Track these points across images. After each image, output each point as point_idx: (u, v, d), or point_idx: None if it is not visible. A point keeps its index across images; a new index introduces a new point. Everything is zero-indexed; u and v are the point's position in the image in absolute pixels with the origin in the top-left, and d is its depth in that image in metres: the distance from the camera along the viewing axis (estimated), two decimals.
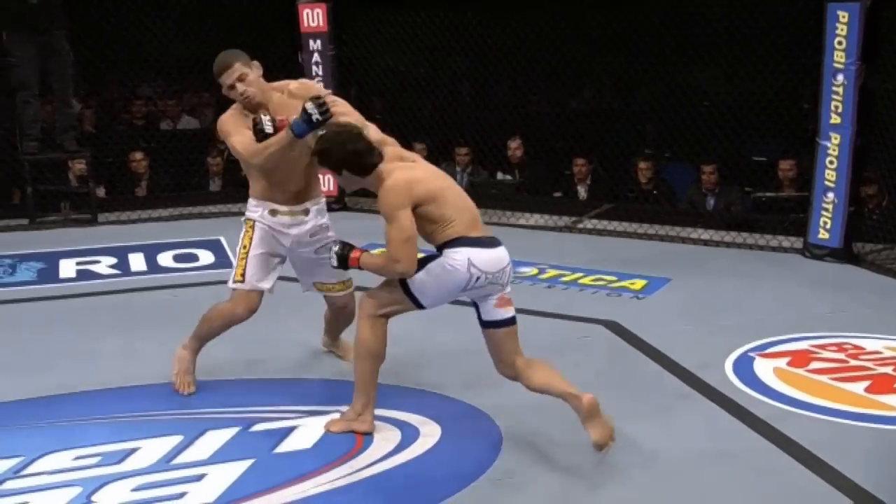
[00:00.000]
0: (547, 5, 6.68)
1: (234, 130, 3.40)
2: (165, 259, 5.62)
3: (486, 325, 3.15)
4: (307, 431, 3.26)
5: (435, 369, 3.82)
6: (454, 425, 3.30)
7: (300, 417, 3.38)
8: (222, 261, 5.57)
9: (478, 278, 3.03)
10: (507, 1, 6.58)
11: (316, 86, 3.65)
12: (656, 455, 3.08)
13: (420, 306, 3.13)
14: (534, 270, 5.24)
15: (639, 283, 5.00)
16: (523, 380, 3.14)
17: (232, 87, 3.39)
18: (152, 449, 3.13)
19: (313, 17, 6.67)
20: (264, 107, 3.42)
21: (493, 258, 3.06)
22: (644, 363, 3.92)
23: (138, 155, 7.23)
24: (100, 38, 7.26)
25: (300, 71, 6.76)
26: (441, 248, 3.07)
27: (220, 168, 7.37)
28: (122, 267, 5.46)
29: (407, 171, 3.10)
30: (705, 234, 5.99)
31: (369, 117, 3.49)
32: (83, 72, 7.07)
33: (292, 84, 3.54)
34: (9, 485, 2.92)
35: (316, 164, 3.35)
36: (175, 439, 3.19)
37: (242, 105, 3.44)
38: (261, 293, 3.55)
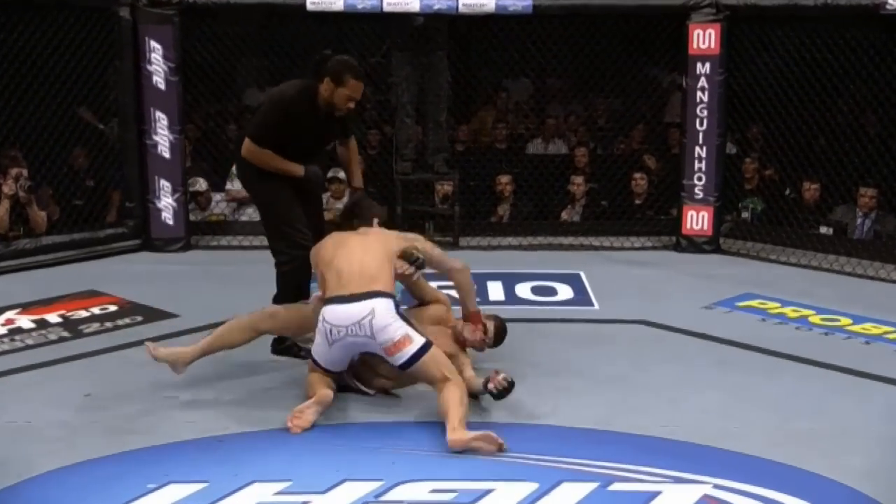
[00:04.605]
0: None
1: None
2: (523, 290, 5.35)
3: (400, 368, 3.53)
4: (673, 500, 2.85)
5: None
6: None
7: (663, 482, 2.97)
8: (581, 297, 5.22)
9: (330, 331, 3.45)
10: None
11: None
12: None
13: (322, 367, 3.56)
14: None
15: None
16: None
17: None
18: (507, 492, 2.95)
19: (704, 39, 5.97)
20: None
21: (341, 312, 3.44)
22: None
23: (504, 178, 7.08)
24: (472, 56, 7.26)
25: (682, 94, 6.22)
26: None
27: (582, 190, 6.97)
28: (481, 294, 5.18)
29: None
30: None
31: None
32: (458, 92, 7.05)
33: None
34: None
35: None
36: (530, 486, 2.99)
37: None
38: None
